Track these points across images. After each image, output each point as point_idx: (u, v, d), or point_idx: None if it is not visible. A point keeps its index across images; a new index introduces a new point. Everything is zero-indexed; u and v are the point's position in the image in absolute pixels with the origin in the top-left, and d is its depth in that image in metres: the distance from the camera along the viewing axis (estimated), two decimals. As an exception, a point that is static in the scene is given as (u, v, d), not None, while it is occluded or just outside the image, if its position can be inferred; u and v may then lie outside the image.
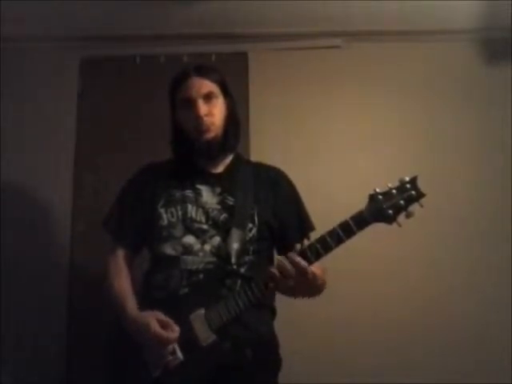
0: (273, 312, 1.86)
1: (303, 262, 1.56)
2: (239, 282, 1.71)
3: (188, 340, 1.62)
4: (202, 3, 2.55)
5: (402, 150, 2.73)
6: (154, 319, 1.62)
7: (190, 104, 1.81)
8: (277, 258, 1.62)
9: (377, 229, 1.60)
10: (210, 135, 1.81)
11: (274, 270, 1.57)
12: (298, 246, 1.60)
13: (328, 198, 2.58)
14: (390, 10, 2.64)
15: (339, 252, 1.60)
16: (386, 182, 1.59)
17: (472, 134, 2.74)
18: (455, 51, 2.82)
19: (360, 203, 1.60)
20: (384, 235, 1.79)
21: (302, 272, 1.56)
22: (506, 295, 2.55)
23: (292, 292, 1.67)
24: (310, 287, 1.66)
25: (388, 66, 2.83)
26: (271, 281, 1.59)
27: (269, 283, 1.59)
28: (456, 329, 2.54)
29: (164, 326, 1.62)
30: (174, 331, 1.62)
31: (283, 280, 1.57)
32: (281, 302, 1.82)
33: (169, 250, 1.77)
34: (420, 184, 1.57)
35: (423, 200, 1.56)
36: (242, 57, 2.83)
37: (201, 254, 1.73)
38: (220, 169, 1.90)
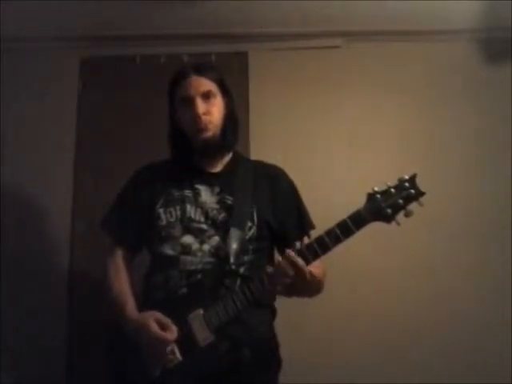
0: (273, 312, 1.86)
1: (301, 261, 1.56)
2: (238, 281, 1.70)
3: (186, 340, 1.61)
4: (202, 3, 2.55)
5: (402, 150, 2.73)
6: (153, 320, 1.63)
7: (189, 103, 1.81)
8: (276, 258, 1.62)
9: (377, 228, 1.59)
10: (208, 134, 1.81)
11: (271, 269, 1.58)
12: (298, 245, 1.60)
13: (328, 197, 2.58)
14: (390, 10, 2.64)
15: (339, 251, 1.60)
16: (386, 181, 1.59)
17: (472, 133, 2.74)
18: (455, 51, 2.82)
19: (360, 203, 1.59)
20: (384, 234, 1.79)
21: (299, 271, 1.56)
22: (506, 295, 2.54)
23: (289, 291, 1.67)
24: (307, 287, 1.66)
25: (388, 66, 2.83)
26: (268, 279, 1.59)
27: (265, 281, 1.59)
28: (456, 329, 2.54)
29: (163, 326, 1.62)
30: (173, 332, 1.61)
31: (281, 279, 1.57)
32: (281, 302, 1.82)
33: (168, 250, 1.76)
34: (420, 183, 1.57)
35: (423, 199, 1.55)
36: (242, 57, 2.84)
37: (199, 254, 1.73)
38: (219, 168, 1.89)
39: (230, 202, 1.80)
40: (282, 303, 1.83)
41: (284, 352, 1.84)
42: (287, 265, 1.56)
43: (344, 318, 2.54)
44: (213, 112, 1.83)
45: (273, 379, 1.80)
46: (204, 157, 1.87)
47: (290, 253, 1.57)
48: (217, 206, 1.80)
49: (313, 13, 2.65)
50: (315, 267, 1.63)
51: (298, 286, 1.62)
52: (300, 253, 1.58)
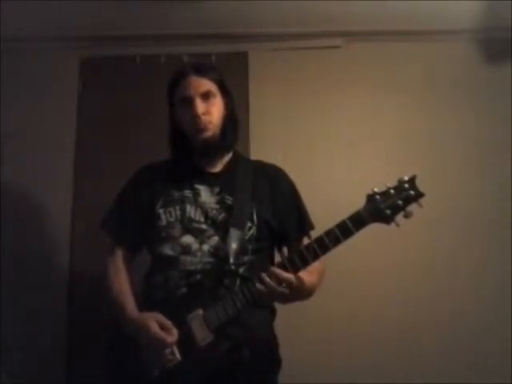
0: (273, 312, 1.86)
1: (284, 274, 1.58)
2: (238, 282, 1.70)
3: (186, 340, 1.62)
4: (202, 3, 2.55)
5: (402, 149, 2.73)
6: (153, 321, 1.63)
7: (188, 103, 1.81)
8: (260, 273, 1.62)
9: (376, 229, 1.59)
10: (208, 134, 1.81)
11: (258, 285, 1.59)
12: (286, 252, 1.61)
13: (328, 197, 2.58)
14: (390, 10, 2.64)
15: (339, 252, 1.60)
16: (386, 181, 1.59)
17: (472, 133, 2.74)
18: (455, 51, 2.82)
19: (360, 203, 1.60)
20: (384, 235, 1.79)
21: (286, 283, 1.58)
22: (506, 295, 2.54)
23: (281, 300, 1.70)
24: (297, 295, 1.66)
25: (388, 66, 2.83)
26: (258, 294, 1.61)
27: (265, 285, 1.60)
28: (456, 329, 2.54)
29: (163, 328, 1.62)
30: (173, 335, 1.61)
31: (268, 293, 1.60)
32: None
33: (168, 250, 1.77)
34: (419, 183, 1.57)
35: (423, 200, 1.55)
36: (242, 57, 2.83)
37: (199, 254, 1.73)
38: (218, 168, 1.89)
39: (229, 202, 1.80)
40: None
41: (284, 352, 1.84)
42: (269, 281, 1.58)
43: (344, 319, 2.54)
44: (212, 112, 1.83)
45: (272, 379, 1.80)
46: (204, 157, 1.87)
47: (274, 270, 1.59)
48: (216, 206, 1.80)
49: (313, 13, 2.65)
50: (312, 267, 1.64)
51: (288, 295, 1.63)
52: (299, 254, 1.60)
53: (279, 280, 1.58)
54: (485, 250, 2.61)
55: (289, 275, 1.59)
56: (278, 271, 1.59)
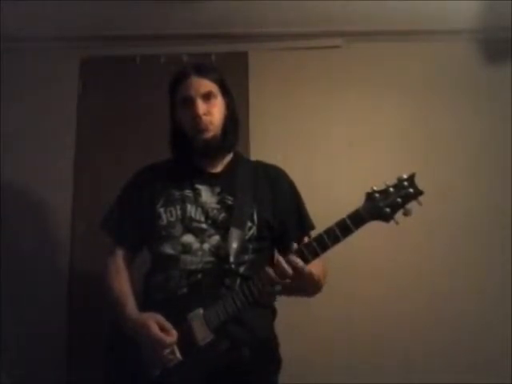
0: (273, 312, 1.86)
1: (300, 263, 1.57)
2: (238, 281, 1.71)
3: (186, 340, 1.61)
4: (201, 3, 2.55)
5: (402, 150, 2.73)
6: (153, 321, 1.63)
7: (189, 103, 1.81)
8: (276, 258, 1.62)
9: (377, 229, 1.59)
10: (209, 134, 1.81)
11: (270, 270, 1.58)
12: (295, 245, 1.60)
13: (328, 197, 2.58)
14: (390, 10, 2.64)
15: (339, 252, 1.60)
16: (385, 181, 1.59)
17: (472, 133, 2.74)
18: (455, 51, 2.82)
19: (360, 203, 1.59)
20: (384, 235, 1.79)
21: (298, 272, 1.56)
22: (506, 295, 2.54)
23: (288, 291, 1.67)
24: (306, 286, 1.66)
25: (388, 66, 2.83)
26: (267, 281, 1.59)
27: (264, 283, 1.59)
28: (456, 329, 2.54)
29: (163, 329, 1.62)
30: (172, 336, 1.61)
31: (280, 280, 1.57)
32: (281, 302, 1.82)
33: (168, 249, 1.77)
34: (419, 183, 1.56)
35: (423, 199, 1.55)
36: (242, 57, 2.84)
37: (200, 253, 1.73)
38: (219, 168, 1.89)
39: (230, 202, 1.80)
40: (282, 303, 1.83)
41: (284, 352, 1.84)
42: (286, 266, 1.56)
43: (344, 318, 2.54)
44: (213, 113, 1.83)
45: (273, 379, 1.80)
46: (204, 157, 1.87)
47: (291, 255, 1.58)
48: (217, 206, 1.80)
49: (313, 13, 2.65)
50: (315, 266, 1.63)
51: (297, 286, 1.62)
52: (299, 252, 1.59)
53: (294, 266, 1.56)
54: (485, 250, 2.62)
55: (302, 263, 1.57)
56: (294, 257, 1.57)
